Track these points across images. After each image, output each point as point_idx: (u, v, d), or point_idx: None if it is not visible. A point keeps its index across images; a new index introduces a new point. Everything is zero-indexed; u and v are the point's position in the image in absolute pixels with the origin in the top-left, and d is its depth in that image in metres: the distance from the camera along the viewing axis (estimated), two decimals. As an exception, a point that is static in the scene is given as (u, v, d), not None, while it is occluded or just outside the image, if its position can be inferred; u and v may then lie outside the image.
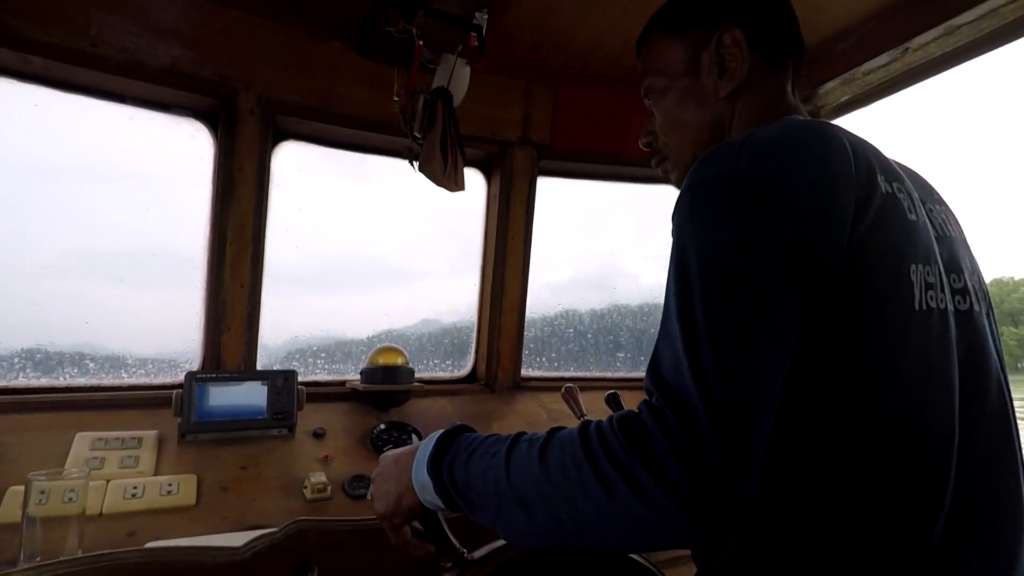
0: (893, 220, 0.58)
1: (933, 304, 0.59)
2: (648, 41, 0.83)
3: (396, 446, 1.18)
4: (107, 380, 1.43)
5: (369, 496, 0.80)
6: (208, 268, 1.47)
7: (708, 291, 0.51)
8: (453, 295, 1.92)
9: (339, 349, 1.79)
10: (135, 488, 1.15)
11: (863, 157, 0.59)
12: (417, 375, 1.63)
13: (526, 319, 1.86)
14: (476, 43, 1.36)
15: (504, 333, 1.81)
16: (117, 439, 1.24)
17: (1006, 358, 0.70)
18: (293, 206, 1.63)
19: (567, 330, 2.11)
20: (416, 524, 0.76)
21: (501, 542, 0.79)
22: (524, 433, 0.61)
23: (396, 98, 1.31)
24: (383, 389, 1.53)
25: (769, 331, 0.50)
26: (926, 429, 0.57)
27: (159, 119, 1.44)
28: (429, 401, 1.66)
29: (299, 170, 1.62)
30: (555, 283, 2.13)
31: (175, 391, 1.30)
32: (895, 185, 0.61)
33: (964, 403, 0.60)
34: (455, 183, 1.32)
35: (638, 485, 0.48)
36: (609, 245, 2.21)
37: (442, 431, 0.69)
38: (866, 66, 1.49)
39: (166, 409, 1.31)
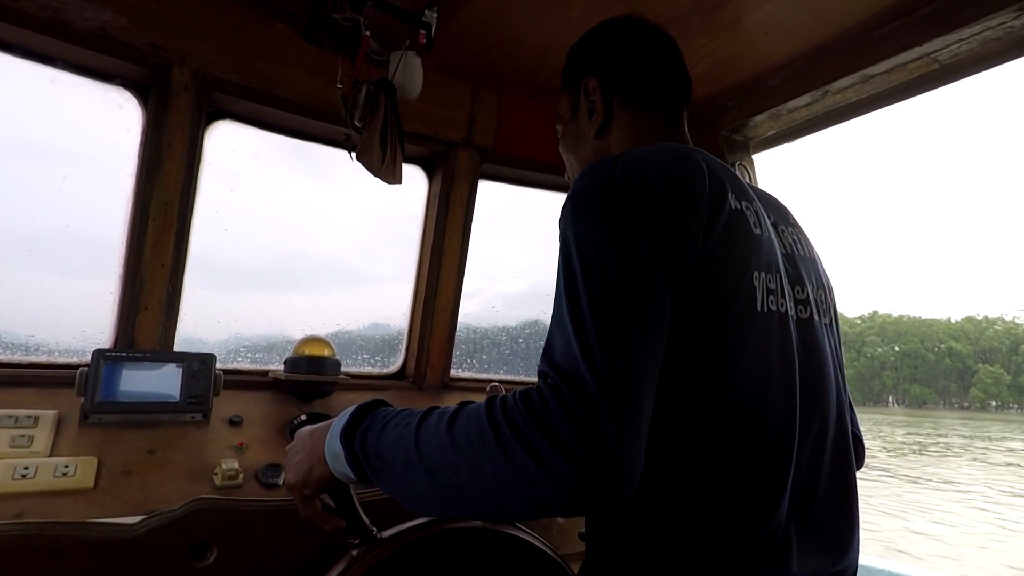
0: (739, 232, 0.67)
1: (774, 308, 0.68)
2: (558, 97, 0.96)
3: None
4: (3, 357, 1.34)
5: (281, 480, 0.79)
6: (128, 244, 1.41)
7: (591, 284, 0.57)
8: (405, 300, 1.89)
9: (279, 348, 1.73)
10: (26, 468, 1.08)
11: (716, 176, 0.68)
12: (345, 369, 1.61)
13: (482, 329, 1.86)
14: (424, 40, 1.37)
15: (435, 332, 1.81)
16: (10, 417, 1.16)
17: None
18: (227, 188, 1.59)
19: (499, 334, 2.14)
20: (327, 500, 0.77)
21: (411, 523, 0.80)
22: (436, 407, 0.64)
23: (339, 85, 1.30)
24: (307, 379, 1.50)
25: (643, 316, 0.56)
26: (767, 420, 0.64)
27: (85, 85, 1.37)
28: (354, 395, 1.64)
29: (235, 151, 1.58)
30: (509, 295, 2.15)
31: (80, 369, 1.23)
32: (744, 203, 0.70)
33: (803, 399, 0.68)
34: (392, 175, 1.32)
35: (536, 451, 0.51)
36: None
37: (358, 404, 0.71)
38: (791, 104, 1.60)
39: (69, 389, 1.24)
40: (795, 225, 0.85)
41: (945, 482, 13.72)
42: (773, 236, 0.75)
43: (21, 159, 1.40)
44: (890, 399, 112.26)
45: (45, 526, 0.68)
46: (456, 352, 1.89)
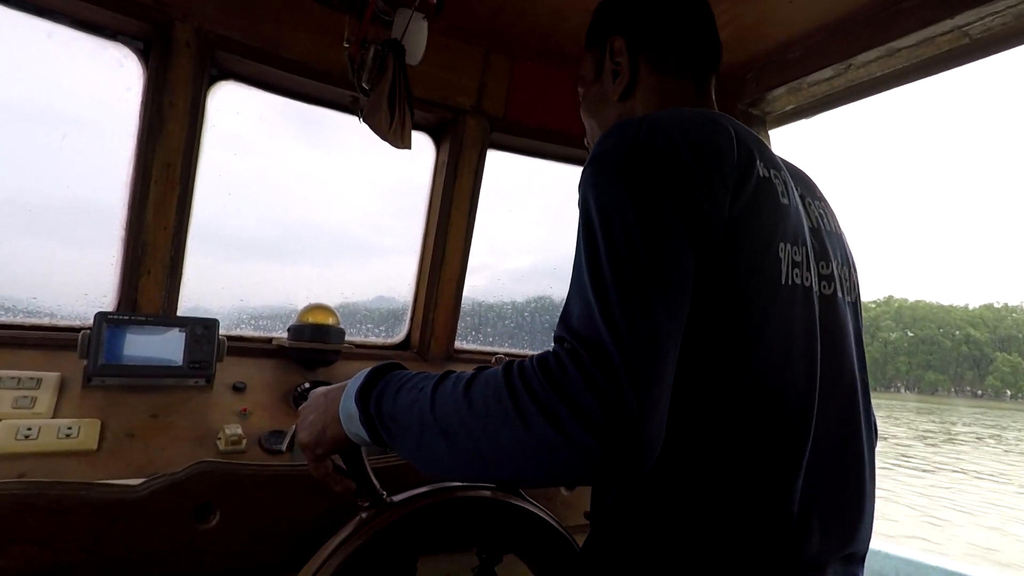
0: (766, 201, 0.64)
1: (799, 281, 0.66)
2: (581, 58, 0.92)
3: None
4: (5, 319, 1.33)
5: (285, 446, 0.78)
6: (129, 207, 1.38)
7: (612, 246, 0.55)
8: (411, 273, 1.87)
9: (282, 319, 1.71)
10: (29, 429, 1.07)
11: (744, 143, 0.65)
12: (349, 338, 1.60)
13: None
14: (434, 0, 1.32)
15: (441, 303, 1.79)
16: (12, 379, 1.15)
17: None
18: (230, 152, 1.55)
19: (505, 308, 2.12)
20: (338, 461, 0.76)
21: (421, 489, 0.79)
22: (453, 371, 0.62)
23: (346, 45, 1.26)
24: (311, 347, 1.48)
25: (667, 281, 0.54)
26: (788, 395, 0.62)
27: (83, 39, 1.33)
28: (359, 364, 1.62)
29: (238, 113, 1.54)
30: (516, 270, 2.13)
31: (82, 332, 1.22)
32: (772, 172, 0.67)
33: (823, 376, 0.66)
34: (401, 140, 1.28)
35: (555, 416, 0.50)
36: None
37: (374, 365, 0.69)
38: (812, 77, 1.54)
39: (72, 352, 1.23)
40: (822, 199, 0.82)
41: (1000, 475, 13.48)
42: (800, 208, 0.72)
43: (18, 119, 1.37)
44: (900, 386, 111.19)
45: (46, 485, 0.67)
46: (461, 324, 1.87)
